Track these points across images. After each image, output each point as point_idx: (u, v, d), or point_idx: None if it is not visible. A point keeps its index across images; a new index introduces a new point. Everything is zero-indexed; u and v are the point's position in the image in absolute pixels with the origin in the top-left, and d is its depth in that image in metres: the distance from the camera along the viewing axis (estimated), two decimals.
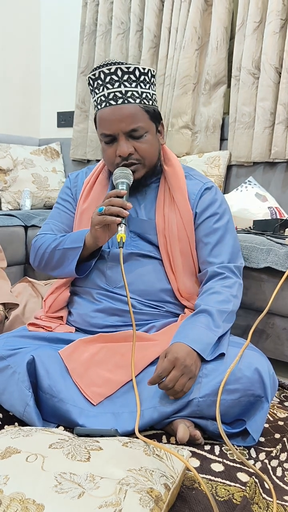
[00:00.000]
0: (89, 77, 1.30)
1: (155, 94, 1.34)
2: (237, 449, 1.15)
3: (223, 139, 2.61)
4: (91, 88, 1.32)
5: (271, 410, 1.37)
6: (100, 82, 1.28)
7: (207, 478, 1.04)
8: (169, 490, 0.85)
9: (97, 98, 1.30)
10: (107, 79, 1.27)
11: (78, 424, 1.14)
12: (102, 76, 1.27)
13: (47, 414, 1.20)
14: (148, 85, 1.30)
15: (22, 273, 2.45)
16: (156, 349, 1.24)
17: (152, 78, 1.31)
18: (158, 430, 1.20)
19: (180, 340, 1.18)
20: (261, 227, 1.87)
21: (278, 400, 1.45)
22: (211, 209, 1.38)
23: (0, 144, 2.88)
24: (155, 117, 1.32)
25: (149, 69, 1.29)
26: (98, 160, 3.01)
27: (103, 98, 1.28)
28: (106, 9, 2.89)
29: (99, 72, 1.27)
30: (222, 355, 1.20)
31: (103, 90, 1.28)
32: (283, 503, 0.97)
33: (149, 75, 1.30)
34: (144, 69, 1.28)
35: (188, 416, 1.17)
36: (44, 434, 0.97)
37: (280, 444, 1.18)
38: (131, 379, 1.20)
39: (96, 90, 1.30)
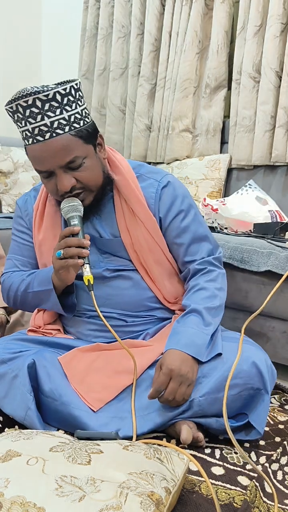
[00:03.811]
0: (7, 109, 1.17)
1: (85, 109, 1.20)
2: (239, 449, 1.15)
3: (223, 142, 2.61)
4: (13, 120, 1.19)
5: (272, 413, 1.37)
6: (21, 116, 1.14)
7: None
8: (170, 493, 0.85)
9: (22, 132, 1.17)
10: (27, 113, 1.13)
11: (82, 427, 1.14)
12: (20, 109, 1.13)
13: (49, 417, 1.20)
14: (74, 104, 1.16)
15: None
16: (152, 353, 1.24)
17: (77, 93, 1.17)
18: (159, 433, 1.20)
19: (173, 347, 1.17)
20: (262, 230, 1.87)
21: (279, 404, 1.45)
22: (174, 209, 1.30)
23: (1, 147, 2.89)
24: (90, 136, 1.20)
25: (71, 86, 1.15)
26: None
27: (28, 134, 1.15)
28: (107, 12, 2.90)
29: (16, 105, 1.13)
30: (218, 355, 1.20)
31: (25, 124, 1.15)
32: (284, 506, 0.97)
33: (73, 92, 1.15)
34: (65, 89, 1.14)
35: (191, 417, 1.17)
36: (45, 437, 0.97)
37: (281, 447, 1.18)
38: (131, 383, 1.20)
39: (19, 123, 1.17)
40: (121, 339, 1.28)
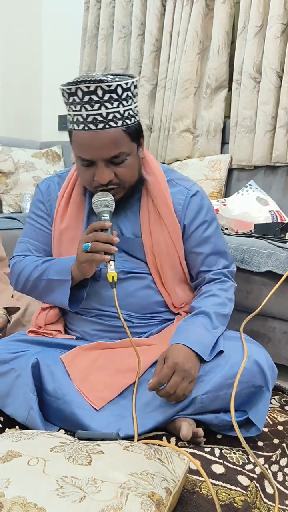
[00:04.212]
0: (64, 90, 1.15)
1: (137, 106, 1.21)
2: (238, 451, 1.15)
3: (224, 142, 2.61)
4: (66, 102, 1.17)
5: (271, 414, 1.37)
6: (77, 100, 1.13)
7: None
8: (170, 494, 0.85)
9: (73, 116, 1.16)
10: (86, 99, 1.12)
11: (84, 426, 1.15)
12: (79, 93, 1.12)
13: (52, 416, 1.20)
14: (131, 100, 1.16)
15: None
16: (155, 352, 1.24)
17: (135, 90, 1.18)
18: (159, 430, 1.20)
19: (180, 342, 1.18)
20: (262, 230, 1.87)
21: (279, 404, 1.45)
22: (199, 218, 1.32)
23: (1, 147, 2.89)
24: (137, 135, 1.21)
25: (132, 82, 1.15)
26: None
27: (80, 119, 1.14)
28: (108, 13, 2.90)
29: (76, 89, 1.12)
30: (220, 352, 1.21)
31: (80, 109, 1.13)
32: (284, 507, 0.97)
33: (132, 88, 1.16)
34: (126, 83, 1.13)
35: (192, 414, 1.18)
36: (46, 438, 0.97)
37: (280, 449, 1.18)
38: (133, 382, 1.20)
39: (72, 107, 1.15)
40: (125, 339, 1.29)
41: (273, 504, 0.96)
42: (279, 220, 2.01)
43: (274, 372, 1.22)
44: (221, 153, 2.60)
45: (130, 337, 1.18)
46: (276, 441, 1.23)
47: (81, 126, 1.15)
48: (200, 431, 1.16)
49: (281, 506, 0.97)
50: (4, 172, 2.84)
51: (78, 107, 1.14)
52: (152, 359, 1.24)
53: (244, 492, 1.01)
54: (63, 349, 1.29)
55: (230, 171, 2.52)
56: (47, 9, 3.39)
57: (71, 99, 1.15)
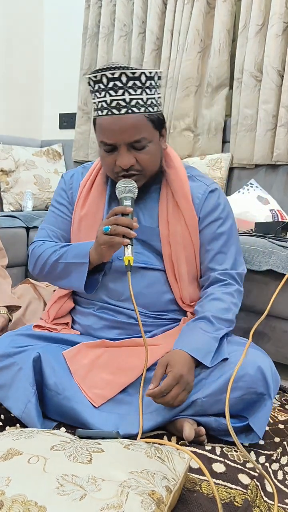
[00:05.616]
0: (90, 78, 1.20)
1: (160, 97, 1.25)
2: (239, 449, 1.15)
3: (225, 141, 2.61)
4: (92, 90, 1.22)
5: (272, 412, 1.37)
6: (102, 87, 1.18)
7: (208, 481, 1.03)
8: (171, 492, 0.85)
9: (98, 102, 1.21)
10: (110, 85, 1.16)
11: (83, 422, 1.15)
12: (104, 80, 1.17)
13: (52, 411, 1.21)
14: (154, 90, 1.20)
15: (23, 275, 2.45)
16: (161, 352, 1.24)
17: (159, 81, 1.22)
18: (160, 430, 1.21)
19: (183, 348, 1.17)
20: (263, 229, 1.87)
21: (279, 403, 1.45)
22: (215, 214, 1.34)
23: (2, 146, 2.89)
24: (159, 123, 1.24)
25: (156, 72, 1.19)
26: None
27: (104, 105, 1.19)
28: (109, 11, 2.90)
29: (102, 76, 1.17)
30: (224, 360, 1.20)
31: (105, 96, 1.18)
32: (285, 506, 0.97)
33: (156, 78, 1.20)
34: (150, 73, 1.18)
35: (191, 415, 1.18)
36: (46, 436, 0.97)
37: (280, 447, 1.18)
38: (134, 381, 1.20)
39: (97, 94, 1.20)
40: (129, 337, 1.29)
41: (273, 503, 0.96)
42: (280, 219, 2.01)
43: (276, 381, 1.20)
44: (222, 151, 2.60)
45: (141, 327, 1.17)
46: (277, 439, 1.23)
47: (105, 111, 1.20)
48: (202, 429, 1.16)
49: (281, 505, 0.97)
50: (5, 171, 2.84)
51: (103, 93, 1.18)
52: (154, 360, 1.23)
53: (245, 490, 1.01)
54: (66, 345, 1.30)
55: (231, 169, 2.52)
56: (49, 7, 3.39)
57: (96, 87, 1.20)
